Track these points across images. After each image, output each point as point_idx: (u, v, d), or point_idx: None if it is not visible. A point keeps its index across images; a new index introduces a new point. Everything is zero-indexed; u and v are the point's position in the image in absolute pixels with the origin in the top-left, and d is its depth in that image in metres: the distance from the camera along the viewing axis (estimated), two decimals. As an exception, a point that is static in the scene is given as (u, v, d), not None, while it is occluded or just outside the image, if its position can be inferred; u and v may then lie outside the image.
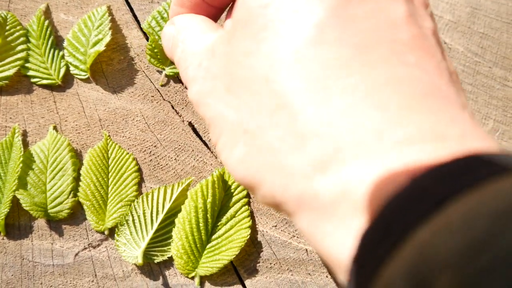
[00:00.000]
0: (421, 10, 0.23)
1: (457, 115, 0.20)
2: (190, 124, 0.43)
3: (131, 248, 0.40)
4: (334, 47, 0.21)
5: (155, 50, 0.43)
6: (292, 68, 0.21)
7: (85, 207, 0.41)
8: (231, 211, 0.41)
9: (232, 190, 0.41)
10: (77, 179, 0.42)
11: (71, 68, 0.44)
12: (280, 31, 0.22)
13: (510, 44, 0.47)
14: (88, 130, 0.43)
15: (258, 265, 0.41)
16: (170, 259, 0.41)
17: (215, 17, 0.31)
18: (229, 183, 0.42)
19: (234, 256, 0.40)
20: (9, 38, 0.44)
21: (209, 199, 0.40)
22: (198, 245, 0.40)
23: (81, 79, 0.44)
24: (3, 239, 0.41)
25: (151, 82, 0.44)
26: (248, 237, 0.40)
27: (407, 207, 0.16)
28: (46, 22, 0.44)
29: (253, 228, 0.41)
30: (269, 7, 0.22)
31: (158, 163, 0.43)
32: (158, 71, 0.44)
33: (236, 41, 0.24)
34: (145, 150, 0.43)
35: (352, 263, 0.17)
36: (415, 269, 0.15)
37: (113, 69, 0.44)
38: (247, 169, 0.22)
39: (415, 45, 0.21)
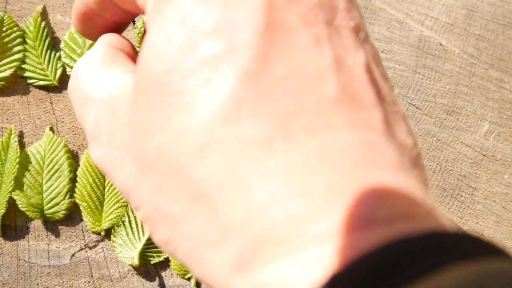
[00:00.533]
0: (350, 41, 0.20)
1: (389, 185, 0.18)
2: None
3: (128, 249, 0.40)
4: (251, 122, 0.18)
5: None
6: (205, 153, 0.18)
7: (81, 208, 0.41)
8: (227, 212, 0.41)
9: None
10: (73, 180, 0.42)
11: (68, 69, 0.44)
12: (189, 107, 0.18)
13: (506, 46, 0.47)
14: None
15: (254, 266, 0.41)
16: (167, 260, 0.41)
17: (119, 30, 0.27)
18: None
19: (230, 257, 0.40)
20: (6, 39, 0.44)
21: (205, 200, 0.40)
22: (194, 246, 0.40)
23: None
24: (-1, 240, 0.41)
25: (148, 83, 0.44)
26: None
27: None
28: (43, 24, 0.44)
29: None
30: (174, 74, 0.19)
31: (155, 164, 0.43)
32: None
33: (141, 110, 0.20)
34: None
35: None
36: None
37: (109, 70, 0.44)
38: (173, 251, 0.20)
39: (344, 98, 0.19)
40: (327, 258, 0.16)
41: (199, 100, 0.18)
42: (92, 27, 0.27)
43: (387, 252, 0.15)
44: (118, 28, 0.28)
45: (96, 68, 0.24)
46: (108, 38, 0.26)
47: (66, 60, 0.44)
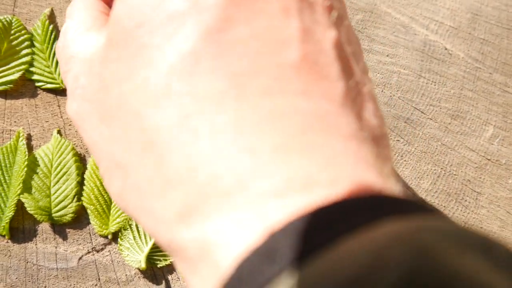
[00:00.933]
0: (323, 18, 0.21)
1: (337, 150, 0.18)
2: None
3: (135, 252, 0.41)
4: (207, 79, 0.19)
5: None
6: (162, 103, 0.19)
7: (89, 211, 0.42)
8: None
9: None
10: (81, 183, 0.42)
11: (75, 72, 0.44)
12: (152, 60, 0.20)
13: (511, 50, 0.47)
14: (92, 134, 0.43)
15: (260, 269, 0.41)
16: (173, 263, 0.41)
17: None
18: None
19: (236, 261, 0.40)
20: (14, 42, 0.44)
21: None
22: (200, 250, 0.40)
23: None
24: (7, 242, 0.42)
25: (155, 87, 0.44)
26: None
27: (255, 271, 0.15)
28: (51, 27, 0.44)
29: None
30: (143, 28, 0.20)
31: (161, 168, 0.43)
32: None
33: (110, 63, 0.21)
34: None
35: None
36: None
37: (117, 73, 0.44)
38: (124, 204, 0.21)
39: (305, 66, 0.19)
40: (266, 216, 0.17)
41: (162, 54, 0.19)
42: None
43: (323, 211, 0.16)
44: None
45: (86, 30, 0.25)
46: (96, 3, 0.27)
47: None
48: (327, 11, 0.21)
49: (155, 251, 0.41)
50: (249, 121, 0.18)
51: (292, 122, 0.18)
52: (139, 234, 0.41)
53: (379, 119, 0.21)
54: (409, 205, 0.17)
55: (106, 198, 0.42)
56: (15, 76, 0.44)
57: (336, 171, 0.17)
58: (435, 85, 0.46)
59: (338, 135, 0.18)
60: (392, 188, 0.18)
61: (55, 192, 0.42)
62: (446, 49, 0.47)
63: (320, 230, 0.15)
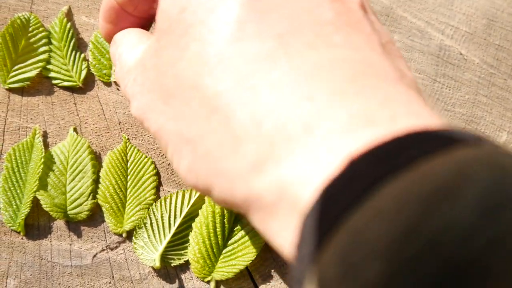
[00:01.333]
0: None
1: (390, 92, 0.19)
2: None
3: (149, 251, 0.41)
4: (255, 41, 0.20)
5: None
6: (217, 70, 0.21)
7: (103, 209, 0.42)
8: (247, 217, 0.41)
9: (249, 196, 0.42)
10: (96, 181, 0.42)
11: (95, 71, 0.44)
12: (200, 34, 0.21)
13: (526, 56, 0.47)
14: (108, 132, 0.44)
15: (273, 270, 0.42)
16: (187, 262, 0.41)
17: (145, 27, 0.30)
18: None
19: (250, 262, 0.40)
20: (32, 40, 0.44)
21: (227, 205, 0.40)
22: (214, 250, 0.41)
23: (103, 83, 0.44)
24: (22, 239, 0.42)
25: (171, 86, 0.44)
26: (264, 242, 0.41)
27: (336, 196, 0.16)
28: (68, 25, 0.45)
29: (269, 234, 0.42)
30: (186, 11, 0.22)
31: (176, 167, 0.43)
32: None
33: (162, 51, 0.23)
34: (163, 154, 0.43)
35: (294, 258, 0.17)
36: (348, 257, 0.14)
37: (133, 72, 0.45)
38: (196, 177, 0.22)
39: (341, 22, 0.21)
40: (338, 149, 0.17)
41: (208, 27, 0.21)
42: (117, 24, 0.30)
43: (395, 140, 0.17)
44: (141, 26, 0.30)
45: (133, 47, 0.27)
46: (135, 28, 0.29)
47: (94, 62, 0.44)
48: None
49: (170, 250, 0.41)
50: (303, 72, 0.19)
51: (342, 70, 0.19)
52: (153, 233, 0.41)
53: (411, 73, 0.23)
54: (475, 136, 0.17)
55: (121, 196, 0.42)
56: (32, 73, 0.44)
57: (394, 108, 0.18)
58: (449, 90, 0.46)
59: (387, 79, 0.20)
60: (449, 124, 0.19)
61: (71, 190, 0.42)
62: (461, 54, 0.47)
63: (396, 154, 0.16)
